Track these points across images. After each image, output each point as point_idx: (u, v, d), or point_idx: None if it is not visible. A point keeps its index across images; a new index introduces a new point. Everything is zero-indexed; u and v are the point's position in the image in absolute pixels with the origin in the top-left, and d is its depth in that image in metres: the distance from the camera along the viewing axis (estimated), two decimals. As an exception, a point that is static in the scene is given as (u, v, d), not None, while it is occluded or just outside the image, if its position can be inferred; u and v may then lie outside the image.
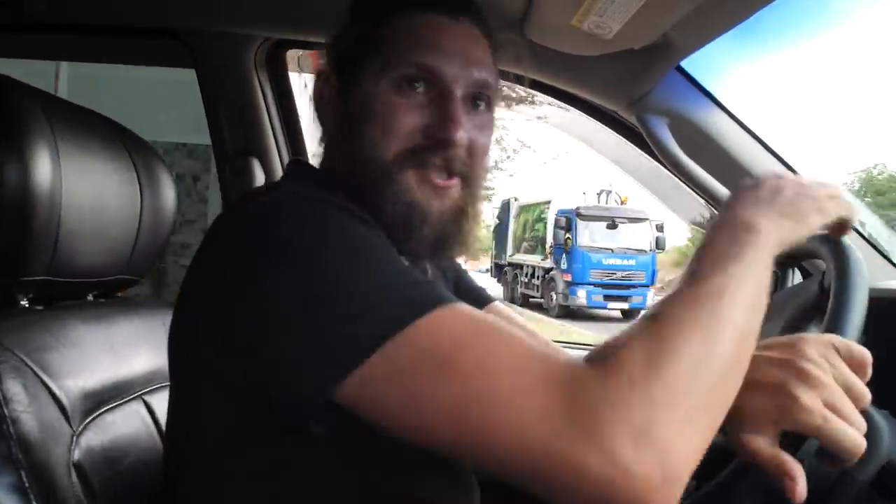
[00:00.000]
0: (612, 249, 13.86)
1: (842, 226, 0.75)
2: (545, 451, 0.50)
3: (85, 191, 0.90)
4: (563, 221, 14.08)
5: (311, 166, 0.87)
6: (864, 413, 0.81)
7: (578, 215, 13.94)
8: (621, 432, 0.49)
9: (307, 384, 0.56)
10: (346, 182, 0.75)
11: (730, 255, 0.60)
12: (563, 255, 13.97)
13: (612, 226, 14.08)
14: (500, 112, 0.85)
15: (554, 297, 14.38)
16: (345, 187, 0.74)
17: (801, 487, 0.64)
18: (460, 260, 1.06)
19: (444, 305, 0.57)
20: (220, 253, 0.66)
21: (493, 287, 16.67)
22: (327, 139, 0.83)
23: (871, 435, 0.80)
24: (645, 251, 14.10)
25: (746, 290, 0.58)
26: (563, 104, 1.42)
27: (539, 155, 24.58)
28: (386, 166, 0.73)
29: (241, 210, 0.67)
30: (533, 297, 15.74)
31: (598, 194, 15.20)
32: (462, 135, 0.72)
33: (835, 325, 0.74)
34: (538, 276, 15.42)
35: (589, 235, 13.88)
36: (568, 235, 13.88)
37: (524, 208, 16.98)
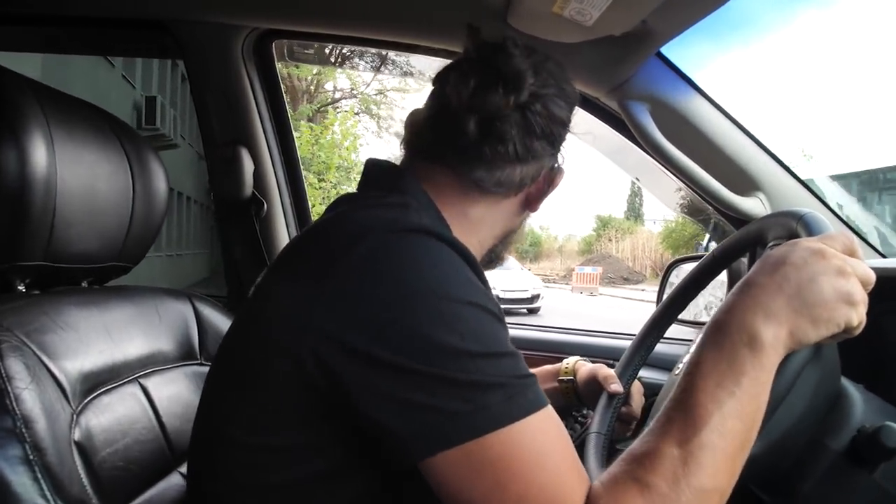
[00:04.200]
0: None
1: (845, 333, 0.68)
2: None
3: (78, 178, 0.92)
4: None
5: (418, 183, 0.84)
6: (839, 386, 0.84)
7: None
8: None
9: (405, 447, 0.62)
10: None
11: (729, 384, 0.62)
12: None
13: None
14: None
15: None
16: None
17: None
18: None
19: (540, 409, 0.63)
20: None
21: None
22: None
23: (844, 406, 0.83)
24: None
25: (743, 413, 0.62)
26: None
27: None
28: None
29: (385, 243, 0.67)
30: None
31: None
32: None
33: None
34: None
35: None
36: None
37: None
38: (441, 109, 0.83)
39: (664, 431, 0.61)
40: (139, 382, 0.99)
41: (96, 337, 0.93)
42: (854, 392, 0.85)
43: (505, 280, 13.98)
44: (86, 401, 0.86)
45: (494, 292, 0.72)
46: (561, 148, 0.87)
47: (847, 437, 0.81)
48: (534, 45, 0.84)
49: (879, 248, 1.33)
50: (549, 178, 0.88)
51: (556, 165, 0.88)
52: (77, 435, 0.83)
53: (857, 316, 0.65)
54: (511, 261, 12.61)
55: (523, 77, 0.79)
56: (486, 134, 0.79)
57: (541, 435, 0.62)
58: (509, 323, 0.84)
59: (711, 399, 0.61)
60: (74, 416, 0.83)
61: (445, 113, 0.81)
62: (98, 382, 0.90)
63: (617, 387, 1.04)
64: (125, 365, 0.97)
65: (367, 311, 0.62)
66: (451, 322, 0.62)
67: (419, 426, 0.60)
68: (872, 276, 0.66)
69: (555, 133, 0.83)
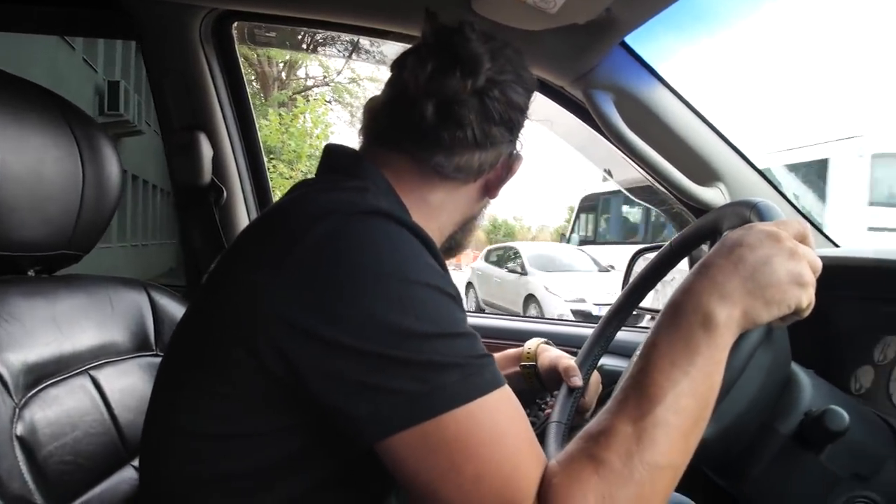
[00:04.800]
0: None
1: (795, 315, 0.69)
2: None
3: (23, 163, 0.88)
4: None
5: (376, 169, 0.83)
6: (789, 371, 0.85)
7: None
8: None
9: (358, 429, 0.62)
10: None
11: (683, 362, 0.63)
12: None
13: None
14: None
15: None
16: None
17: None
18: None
19: (497, 389, 0.63)
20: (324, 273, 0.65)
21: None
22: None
23: (793, 390, 0.84)
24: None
25: (697, 392, 0.62)
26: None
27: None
28: None
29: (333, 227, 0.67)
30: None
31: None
32: None
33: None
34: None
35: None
36: None
37: None
38: (398, 95, 0.82)
39: (619, 409, 0.62)
40: (90, 374, 0.97)
41: (43, 328, 0.90)
42: (803, 377, 0.86)
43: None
44: (30, 394, 0.84)
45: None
46: (519, 134, 0.88)
47: (795, 420, 0.83)
48: (492, 32, 0.84)
49: (832, 238, 1.36)
50: (508, 165, 0.88)
51: (514, 152, 0.88)
52: (20, 429, 0.80)
53: (807, 297, 0.66)
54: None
55: (480, 61, 0.78)
56: (444, 119, 0.78)
57: (497, 414, 0.62)
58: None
59: (666, 377, 0.62)
60: (17, 410, 0.80)
61: (403, 98, 0.81)
62: (44, 375, 0.87)
63: (577, 380, 1.04)
64: (75, 356, 0.95)
65: (322, 294, 0.62)
66: (407, 304, 0.62)
67: (374, 408, 0.60)
68: (820, 263, 0.68)
69: (513, 119, 0.83)
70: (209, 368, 0.68)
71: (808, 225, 0.70)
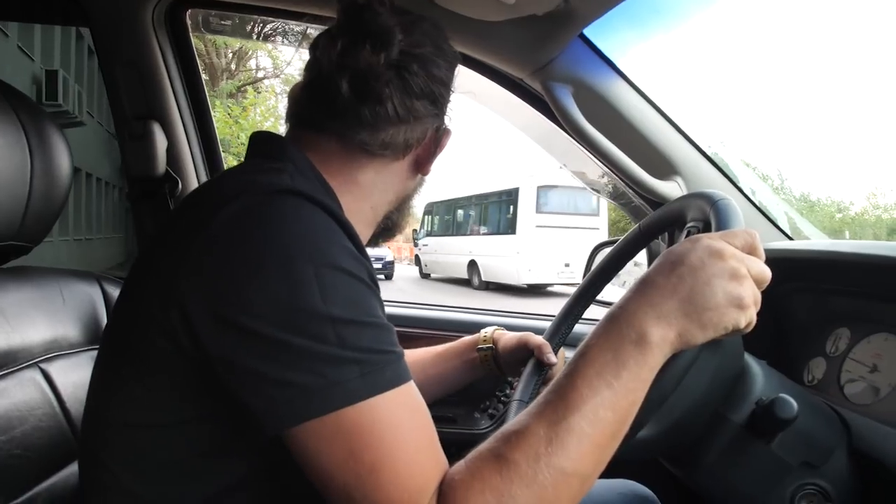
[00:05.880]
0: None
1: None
2: None
3: (-33, 153, 0.85)
4: None
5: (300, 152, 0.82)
6: (741, 365, 0.87)
7: None
8: None
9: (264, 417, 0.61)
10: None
11: (608, 374, 0.63)
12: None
13: None
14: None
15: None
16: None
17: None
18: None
19: (398, 386, 0.63)
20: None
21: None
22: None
23: (746, 381, 0.87)
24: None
25: (617, 406, 0.63)
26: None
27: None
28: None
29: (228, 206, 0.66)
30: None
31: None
32: None
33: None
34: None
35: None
36: None
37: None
38: (315, 76, 0.82)
39: (538, 411, 0.63)
40: (40, 367, 0.94)
41: (-10, 320, 0.87)
42: (756, 367, 0.88)
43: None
44: (-23, 388, 0.81)
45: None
46: (446, 108, 0.89)
47: (747, 410, 0.85)
48: (407, 7, 0.85)
49: (788, 232, 1.40)
50: (436, 139, 0.89)
51: (442, 126, 0.89)
52: (-33, 424, 0.77)
53: (746, 318, 0.66)
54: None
55: (391, 33, 0.78)
56: (360, 94, 0.78)
57: (396, 411, 0.62)
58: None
59: (588, 386, 0.62)
60: (-36, 404, 0.77)
61: (319, 78, 0.81)
62: (-9, 368, 0.84)
63: (552, 356, 1.05)
64: (24, 350, 0.92)
65: (230, 275, 0.62)
66: (315, 286, 0.61)
67: (271, 401, 0.60)
68: (768, 276, 0.68)
69: (436, 92, 0.84)
70: (133, 357, 0.68)
71: (757, 234, 0.71)
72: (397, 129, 0.82)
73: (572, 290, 1.15)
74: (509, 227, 15.44)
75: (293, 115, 0.86)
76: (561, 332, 1.10)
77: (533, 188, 14.91)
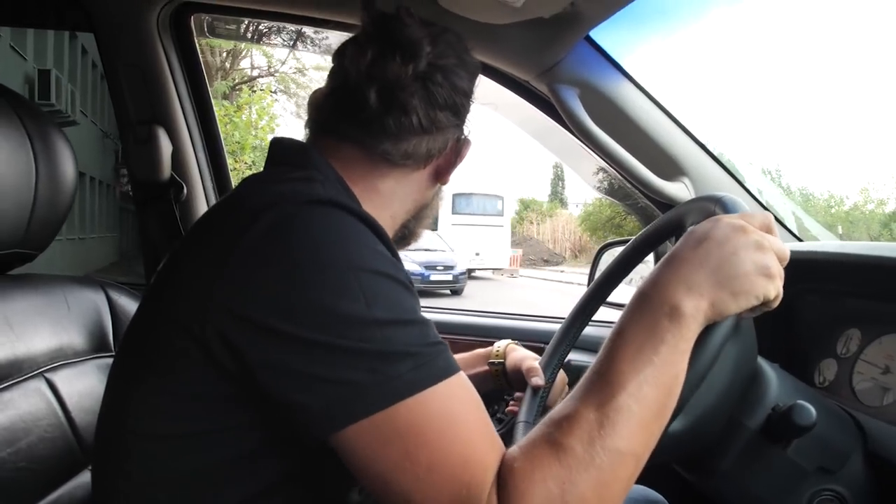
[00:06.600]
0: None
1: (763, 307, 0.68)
2: None
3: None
4: None
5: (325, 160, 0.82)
6: (756, 365, 0.86)
7: None
8: None
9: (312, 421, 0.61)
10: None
11: (648, 351, 0.63)
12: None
13: None
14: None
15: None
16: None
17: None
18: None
19: (450, 377, 0.63)
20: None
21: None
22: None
23: (760, 384, 0.86)
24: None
25: (660, 381, 0.62)
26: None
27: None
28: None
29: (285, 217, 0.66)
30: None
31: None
32: None
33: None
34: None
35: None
36: None
37: None
38: (341, 84, 0.82)
39: (583, 395, 0.63)
40: (45, 377, 0.93)
41: (-5, 330, 0.86)
42: (770, 371, 0.88)
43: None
44: (-18, 399, 0.80)
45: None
46: (466, 119, 0.88)
47: (762, 415, 0.84)
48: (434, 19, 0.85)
49: (796, 232, 1.39)
50: (457, 150, 0.89)
51: (462, 137, 0.89)
52: (-28, 436, 0.76)
53: (775, 288, 0.66)
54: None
55: (420, 45, 0.79)
56: (388, 105, 0.79)
57: (450, 402, 0.62)
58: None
59: (630, 365, 0.62)
60: (-30, 417, 0.76)
61: (345, 87, 0.81)
62: (-3, 379, 0.83)
63: (538, 380, 1.05)
64: (29, 359, 0.91)
65: (270, 285, 0.62)
66: (357, 291, 0.61)
67: (325, 401, 0.60)
68: (787, 252, 0.69)
69: (458, 103, 0.84)
70: (159, 366, 0.68)
71: (773, 217, 0.71)
72: (420, 140, 0.82)
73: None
74: (433, 225, 16.77)
75: (315, 123, 0.86)
76: (559, 353, 1.08)
77: (449, 195, 17.38)
